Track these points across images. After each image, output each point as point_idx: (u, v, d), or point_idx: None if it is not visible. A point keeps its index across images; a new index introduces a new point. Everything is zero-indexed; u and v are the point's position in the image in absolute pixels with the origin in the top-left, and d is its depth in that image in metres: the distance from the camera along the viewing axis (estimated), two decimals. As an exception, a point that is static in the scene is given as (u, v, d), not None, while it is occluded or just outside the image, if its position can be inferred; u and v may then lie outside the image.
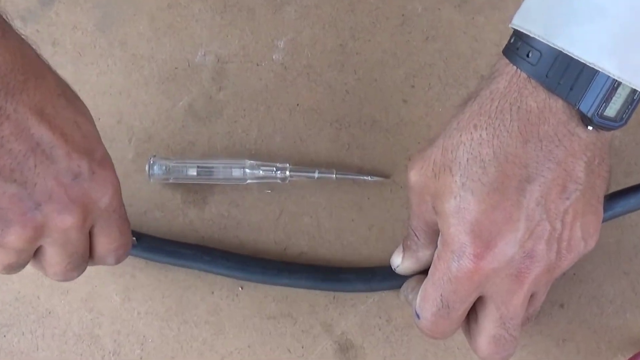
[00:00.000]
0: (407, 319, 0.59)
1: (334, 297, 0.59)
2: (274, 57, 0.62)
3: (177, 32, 0.62)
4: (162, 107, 0.62)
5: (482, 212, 0.43)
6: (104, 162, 0.44)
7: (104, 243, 0.47)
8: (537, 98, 0.42)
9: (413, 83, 0.62)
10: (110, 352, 0.58)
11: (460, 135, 0.44)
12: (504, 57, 0.44)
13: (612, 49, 0.40)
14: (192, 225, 0.61)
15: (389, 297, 0.59)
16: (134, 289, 0.59)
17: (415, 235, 0.49)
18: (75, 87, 0.46)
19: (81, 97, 0.46)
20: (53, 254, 0.45)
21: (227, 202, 0.60)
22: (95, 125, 0.45)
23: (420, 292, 0.48)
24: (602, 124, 0.42)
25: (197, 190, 0.61)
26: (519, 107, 0.42)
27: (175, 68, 0.63)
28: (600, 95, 0.41)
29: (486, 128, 0.43)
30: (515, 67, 0.43)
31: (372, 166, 0.60)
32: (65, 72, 0.48)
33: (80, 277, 0.49)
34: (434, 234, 0.48)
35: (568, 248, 0.45)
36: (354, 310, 0.59)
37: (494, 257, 0.43)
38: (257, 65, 0.62)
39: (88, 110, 0.46)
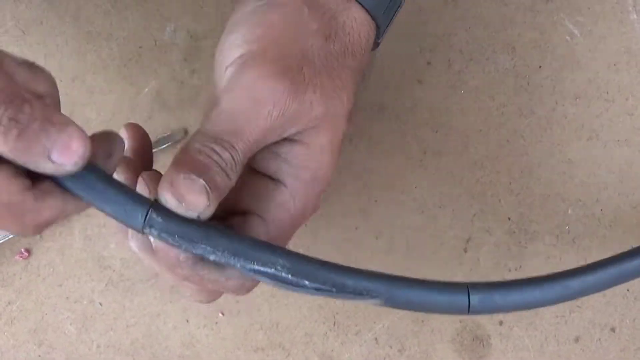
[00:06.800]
0: (424, 347, 0.57)
1: (334, 323, 0.57)
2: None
3: (141, 4, 0.61)
4: (124, 95, 0.60)
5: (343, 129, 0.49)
6: None
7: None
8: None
9: (429, 59, 0.60)
10: (65, 393, 0.58)
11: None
12: None
13: None
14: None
15: (401, 322, 0.57)
16: (93, 318, 0.58)
17: (236, 164, 0.47)
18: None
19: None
20: None
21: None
22: None
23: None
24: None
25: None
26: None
27: (140, 47, 0.60)
28: None
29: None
30: None
31: (380, 162, 0.58)
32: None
33: (27, 304, 0.55)
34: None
35: None
36: (358, 339, 0.57)
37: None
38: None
39: None
